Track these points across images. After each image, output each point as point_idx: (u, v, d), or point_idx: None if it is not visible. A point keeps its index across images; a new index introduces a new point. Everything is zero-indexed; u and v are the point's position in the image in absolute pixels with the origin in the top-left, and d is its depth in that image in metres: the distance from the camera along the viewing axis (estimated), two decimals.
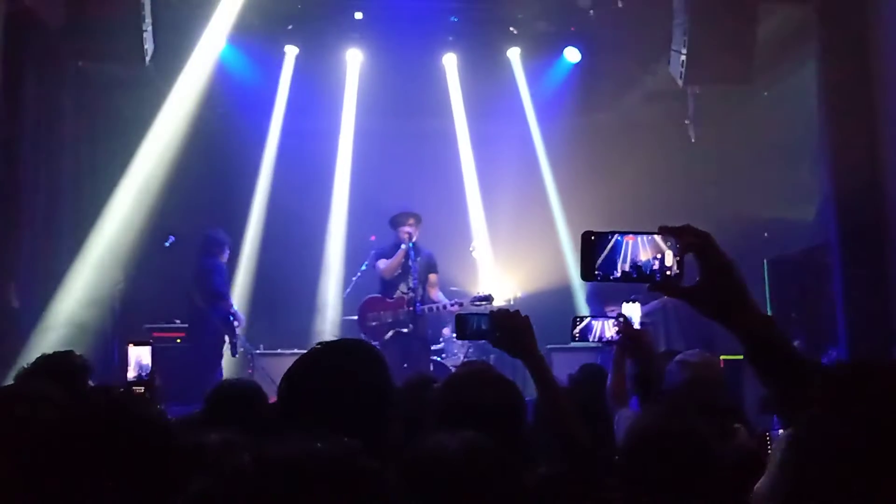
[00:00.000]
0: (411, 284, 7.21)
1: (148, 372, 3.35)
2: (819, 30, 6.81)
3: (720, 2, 7.19)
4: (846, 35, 6.59)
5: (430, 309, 7.27)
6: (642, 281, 1.38)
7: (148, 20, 7.15)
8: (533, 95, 9.46)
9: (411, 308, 7.17)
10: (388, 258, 7.36)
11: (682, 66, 7.30)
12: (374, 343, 7.11)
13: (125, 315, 7.85)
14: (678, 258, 1.36)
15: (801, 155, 7.46)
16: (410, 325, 7.17)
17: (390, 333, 7.25)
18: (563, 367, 5.92)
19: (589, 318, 2.86)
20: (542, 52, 9.21)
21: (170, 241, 7.84)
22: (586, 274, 1.39)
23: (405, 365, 6.93)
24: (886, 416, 0.92)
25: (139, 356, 3.40)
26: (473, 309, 6.89)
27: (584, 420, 2.37)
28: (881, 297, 6.31)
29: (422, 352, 7.28)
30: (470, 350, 7.78)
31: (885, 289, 6.31)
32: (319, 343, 2.01)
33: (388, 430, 1.80)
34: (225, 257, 7.65)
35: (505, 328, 2.39)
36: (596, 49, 8.64)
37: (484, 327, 2.57)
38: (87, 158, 7.86)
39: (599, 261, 1.38)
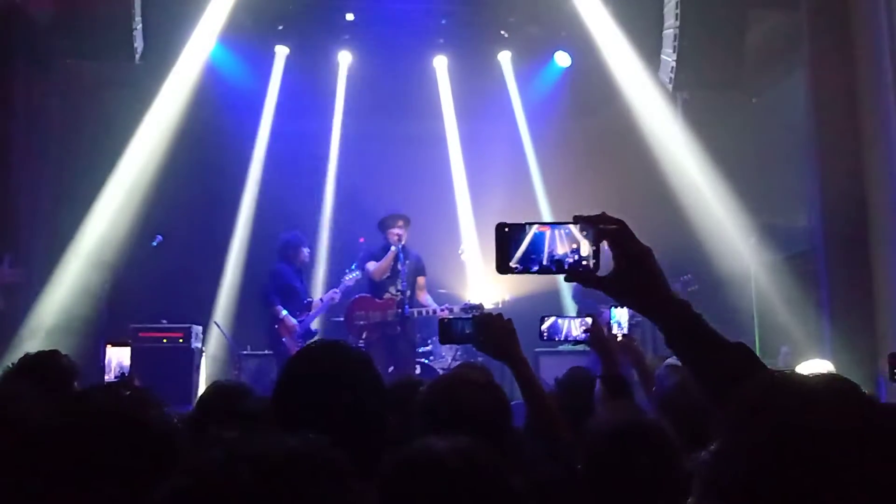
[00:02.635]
0: (400, 287, 7.20)
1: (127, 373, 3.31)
2: (808, 38, 6.86)
3: (710, 8, 7.23)
4: (834, 43, 6.64)
5: (420, 312, 7.26)
6: (561, 272, 1.36)
7: (138, 18, 7.14)
8: (523, 99, 9.48)
9: (400, 310, 7.16)
10: (377, 260, 7.35)
11: (672, 72, 7.34)
12: (360, 342, 7.12)
13: (112, 315, 7.80)
14: (594, 248, 1.35)
15: (789, 160, 7.50)
16: (398, 327, 7.16)
17: (377, 334, 7.24)
18: (550, 371, 5.93)
19: (555, 318, 2.86)
20: (533, 55, 9.24)
21: (157, 240, 7.79)
22: (502, 267, 1.36)
23: (391, 366, 6.92)
24: (796, 437, 0.90)
25: (118, 357, 3.35)
26: (461, 315, 6.89)
27: (570, 423, 2.37)
28: (866, 302, 6.35)
29: (408, 354, 7.26)
30: (458, 353, 7.77)
31: (870, 295, 6.35)
32: (311, 343, 2.01)
33: (384, 430, 1.81)
34: (300, 259, 7.57)
35: (488, 332, 2.39)
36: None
37: (468, 331, 2.57)
38: (76, 157, 7.82)
39: (518, 253, 1.36)
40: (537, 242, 1.36)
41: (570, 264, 1.35)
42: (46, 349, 3.26)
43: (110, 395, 1.55)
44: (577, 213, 1.40)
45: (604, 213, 1.37)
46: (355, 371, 1.87)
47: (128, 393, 1.53)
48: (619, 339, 3.27)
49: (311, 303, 7.55)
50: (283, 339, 7.24)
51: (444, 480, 1.43)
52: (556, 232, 1.36)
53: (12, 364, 3.03)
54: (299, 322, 7.35)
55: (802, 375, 1.01)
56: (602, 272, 1.37)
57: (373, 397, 1.85)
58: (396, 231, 7.25)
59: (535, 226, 1.36)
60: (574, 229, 1.36)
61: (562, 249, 1.35)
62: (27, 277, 6.97)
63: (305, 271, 7.95)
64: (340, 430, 1.59)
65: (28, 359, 3.05)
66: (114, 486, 1.39)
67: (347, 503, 0.94)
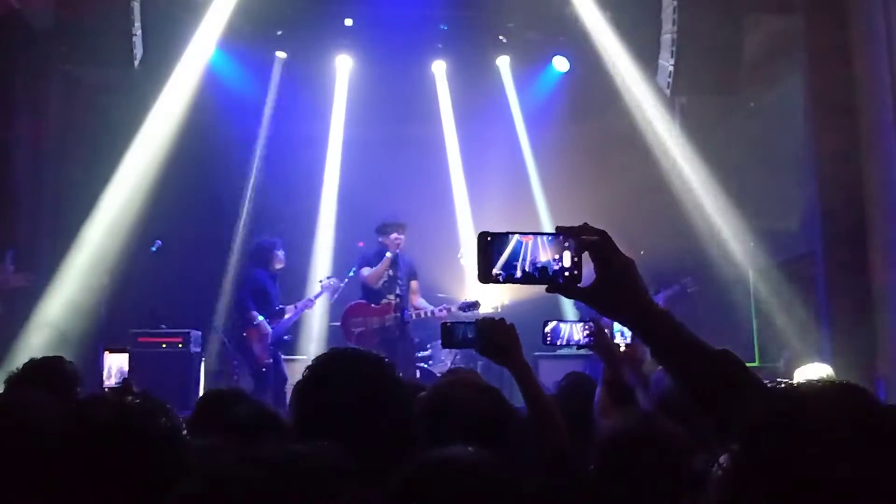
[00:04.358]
0: (398, 291, 7.21)
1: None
2: (805, 42, 6.89)
3: (708, 13, 7.25)
4: (832, 48, 6.67)
5: (418, 315, 7.27)
6: (543, 282, 1.35)
7: (137, 24, 7.15)
8: (521, 103, 9.50)
9: (399, 314, 7.16)
10: (371, 266, 7.35)
11: (670, 77, 7.36)
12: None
13: (111, 320, 7.80)
14: (576, 258, 1.35)
15: (787, 165, 7.53)
16: (397, 332, 7.17)
17: (376, 339, 7.24)
18: (550, 375, 5.94)
19: (557, 322, 2.85)
20: (531, 60, 9.26)
21: (156, 245, 7.79)
22: (484, 276, 1.36)
23: None
24: (818, 446, 0.90)
25: (117, 363, 3.36)
26: (461, 315, 6.91)
27: (569, 428, 2.38)
28: (864, 306, 6.36)
29: (409, 358, 7.28)
30: (457, 357, 7.78)
31: (868, 298, 6.36)
32: (331, 350, 2.01)
33: (406, 435, 1.82)
34: (274, 265, 7.52)
35: (490, 336, 2.40)
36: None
37: (470, 336, 2.57)
38: (76, 162, 7.82)
39: (500, 262, 1.35)
40: (520, 252, 1.35)
41: (552, 272, 1.35)
42: (50, 355, 3.27)
43: (116, 402, 1.56)
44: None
45: (586, 223, 1.37)
46: (376, 377, 1.88)
47: (136, 400, 1.54)
48: (623, 349, 3.26)
49: (283, 309, 7.51)
50: (254, 346, 7.23)
51: (460, 487, 1.44)
52: (539, 242, 1.35)
53: (17, 369, 3.04)
54: (273, 329, 7.33)
55: (809, 386, 1.00)
56: (585, 283, 1.37)
57: (393, 403, 1.85)
58: (397, 237, 7.26)
59: (518, 235, 1.36)
60: (557, 240, 1.36)
61: (545, 258, 1.35)
62: (27, 282, 6.97)
63: (280, 276, 7.88)
64: (360, 436, 1.60)
65: (33, 364, 3.06)
66: (120, 492, 1.40)
67: None
